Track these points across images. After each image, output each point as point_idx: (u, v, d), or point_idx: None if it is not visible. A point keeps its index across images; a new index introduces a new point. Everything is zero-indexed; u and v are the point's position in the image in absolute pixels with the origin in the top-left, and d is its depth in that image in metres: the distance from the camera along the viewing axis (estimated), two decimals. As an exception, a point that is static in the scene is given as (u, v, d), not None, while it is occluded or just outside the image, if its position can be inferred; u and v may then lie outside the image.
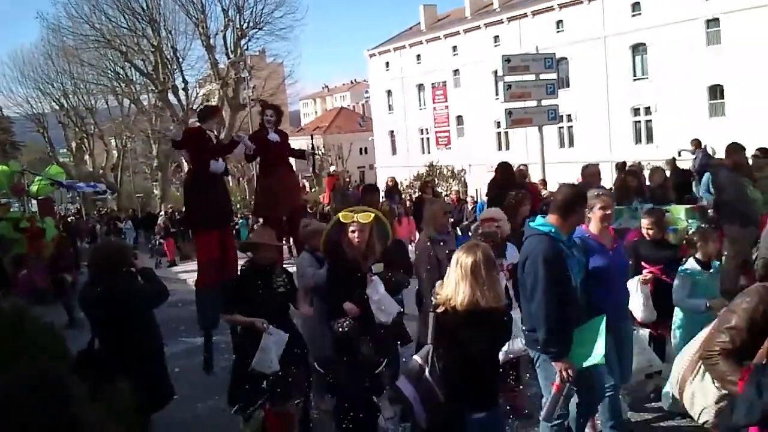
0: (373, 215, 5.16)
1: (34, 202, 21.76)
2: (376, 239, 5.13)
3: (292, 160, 9.84)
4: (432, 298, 4.67)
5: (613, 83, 35.53)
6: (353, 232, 5.07)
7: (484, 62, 39.57)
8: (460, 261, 3.96)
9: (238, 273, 5.67)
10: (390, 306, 5.38)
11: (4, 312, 4.21)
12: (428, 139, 47.57)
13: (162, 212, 24.06)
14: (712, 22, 31.18)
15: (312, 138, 42.76)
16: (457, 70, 44.28)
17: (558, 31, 37.39)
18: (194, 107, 39.83)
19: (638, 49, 34.73)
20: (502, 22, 40.70)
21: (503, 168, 9.69)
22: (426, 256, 6.18)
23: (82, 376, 3.88)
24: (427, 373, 4.13)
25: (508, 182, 9.20)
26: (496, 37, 41.21)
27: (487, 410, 4.06)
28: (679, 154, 16.79)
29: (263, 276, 5.45)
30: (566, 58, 34.88)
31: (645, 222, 6.20)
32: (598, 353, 4.36)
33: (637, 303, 5.72)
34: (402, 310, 5.97)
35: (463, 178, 36.22)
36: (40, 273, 14.49)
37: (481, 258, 3.92)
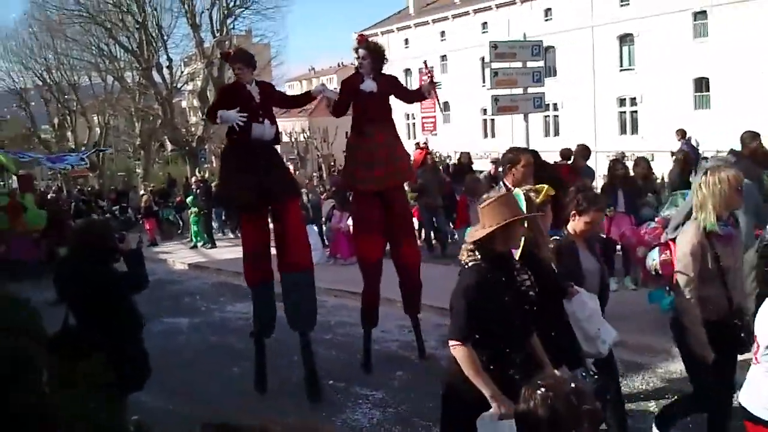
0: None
1: (14, 178, 21.50)
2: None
3: (400, 119, 7.65)
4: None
5: (599, 73, 35.60)
6: (543, 210, 4.11)
7: (471, 48, 39.41)
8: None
9: (471, 274, 3.46)
10: (607, 329, 4.03)
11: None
12: (414, 124, 47.34)
13: (143, 192, 23.82)
14: (700, 15, 31.26)
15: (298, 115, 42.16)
16: (445, 55, 44.08)
17: (546, 20, 37.32)
18: (178, 86, 39.38)
19: (625, 39, 34.77)
20: (491, 9, 40.55)
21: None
22: (698, 258, 3.94)
23: (56, 353, 3.83)
24: None
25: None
26: (485, 24, 41.07)
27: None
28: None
29: (504, 272, 3.47)
30: (554, 47, 34.83)
31: None
32: None
33: None
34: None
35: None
36: (21, 248, 14.37)
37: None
